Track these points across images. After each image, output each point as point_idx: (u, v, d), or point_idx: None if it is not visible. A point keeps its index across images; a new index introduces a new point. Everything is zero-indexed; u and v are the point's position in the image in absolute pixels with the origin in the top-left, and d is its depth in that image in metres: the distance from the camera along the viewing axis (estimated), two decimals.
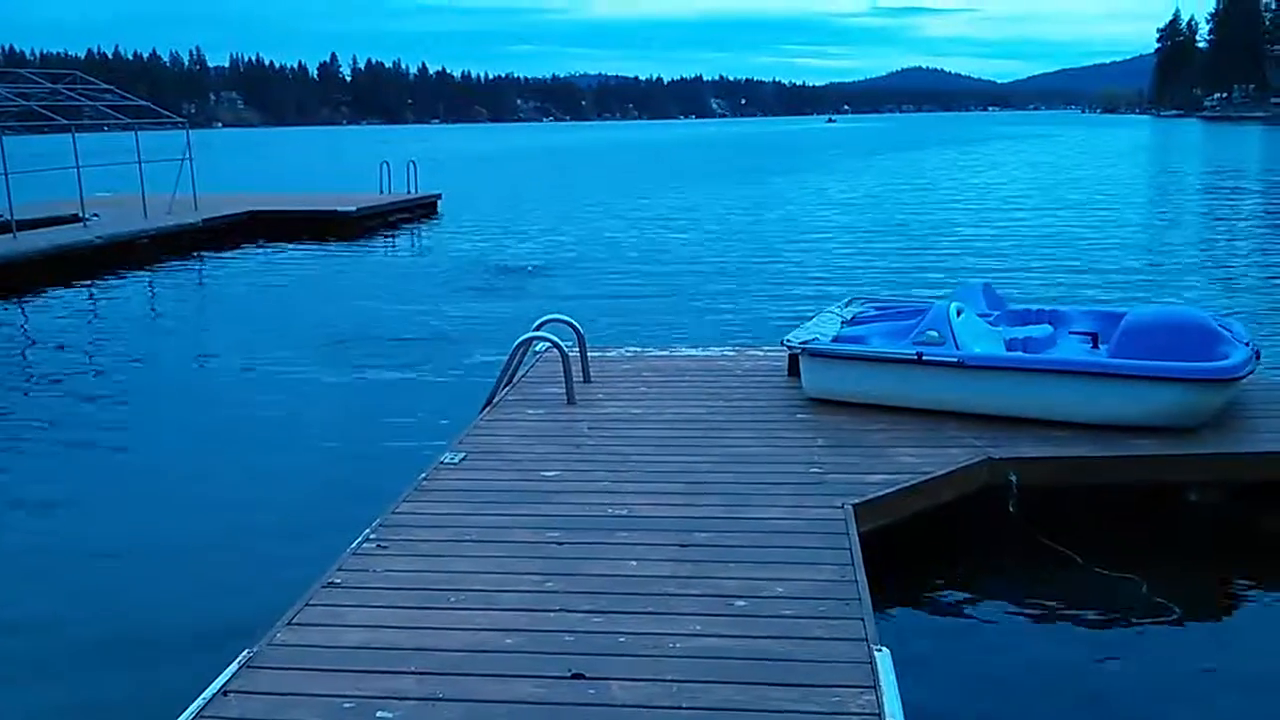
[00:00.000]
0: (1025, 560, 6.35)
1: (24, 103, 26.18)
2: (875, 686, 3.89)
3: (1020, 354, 7.47)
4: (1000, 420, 7.05)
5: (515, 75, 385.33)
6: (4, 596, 6.57)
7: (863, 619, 4.44)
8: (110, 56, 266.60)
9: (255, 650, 4.26)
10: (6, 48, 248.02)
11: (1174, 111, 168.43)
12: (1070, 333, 8.29)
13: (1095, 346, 8.02)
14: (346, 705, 3.87)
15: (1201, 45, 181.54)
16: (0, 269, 18.70)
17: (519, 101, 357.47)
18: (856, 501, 5.81)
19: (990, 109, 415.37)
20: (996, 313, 8.53)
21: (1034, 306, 8.91)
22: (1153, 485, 6.57)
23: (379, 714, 3.81)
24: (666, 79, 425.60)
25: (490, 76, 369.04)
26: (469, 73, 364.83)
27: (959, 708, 4.98)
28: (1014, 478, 6.41)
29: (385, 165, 31.64)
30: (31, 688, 5.50)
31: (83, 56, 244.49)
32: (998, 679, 5.28)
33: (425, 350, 13.21)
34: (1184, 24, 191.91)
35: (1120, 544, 6.41)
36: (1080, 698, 5.11)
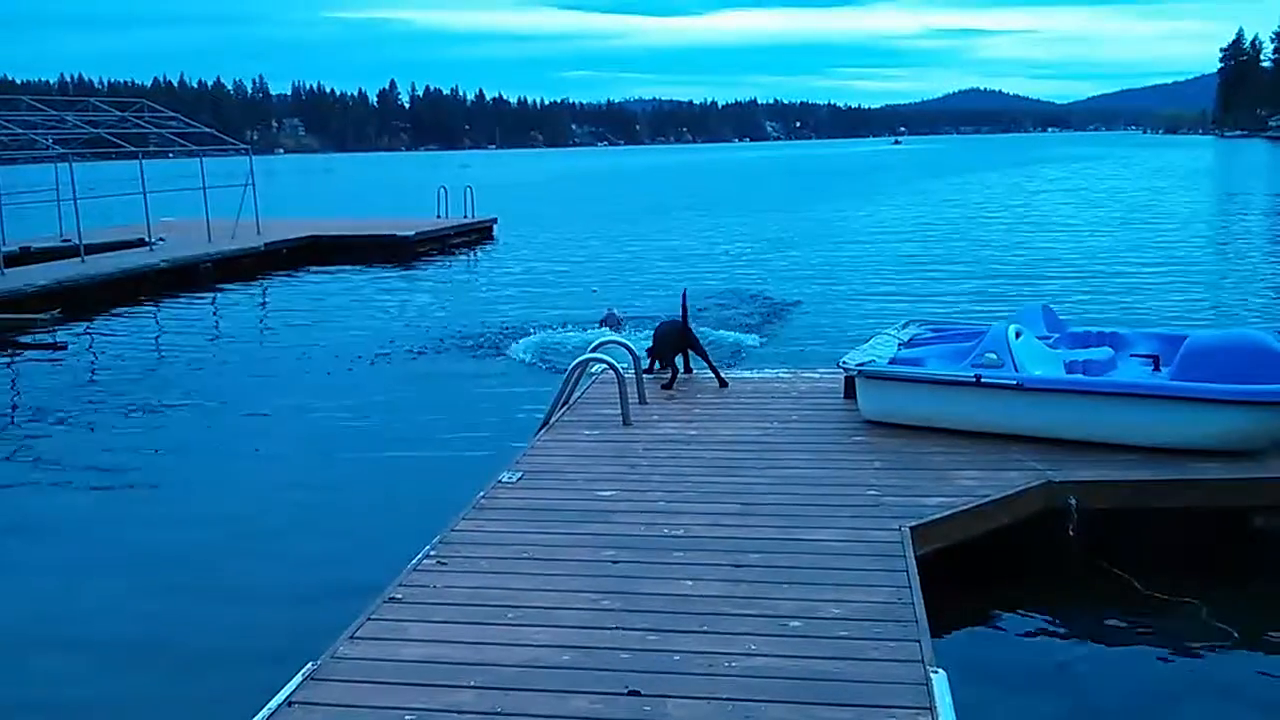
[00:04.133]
0: (1084, 585, 6.28)
1: (93, 130, 26.95)
2: (931, 709, 3.88)
3: (1080, 377, 7.39)
4: (1060, 443, 6.97)
5: (570, 101, 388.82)
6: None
7: (919, 641, 4.42)
8: (176, 84, 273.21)
9: (318, 663, 4.35)
10: (76, 76, 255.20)
11: (1238, 132, 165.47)
12: (1131, 355, 8.17)
13: (1156, 369, 7.90)
14: (408, 718, 3.93)
15: (1266, 64, 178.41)
16: (69, 291, 19.20)
17: (574, 127, 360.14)
18: (914, 524, 5.78)
19: (1049, 130, 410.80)
20: (1056, 335, 8.45)
21: (1094, 329, 8.79)
22: (1215, 510, 6.45)
23: None
24: (720, 103, 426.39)
25: (546, 102, 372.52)
26: (525, 99, 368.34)
27: None
28: (1073, 501, 6.33)
29: (443, 190, 32.05)
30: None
31: (149, 85, 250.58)
32: (1055, 703, 5.23)
33: (483, 370, 13.35)
34: (1248, 43, 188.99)
35: (1181, 570, 6.30)
36: None
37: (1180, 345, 7.49)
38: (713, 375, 9.20)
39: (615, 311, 15.14)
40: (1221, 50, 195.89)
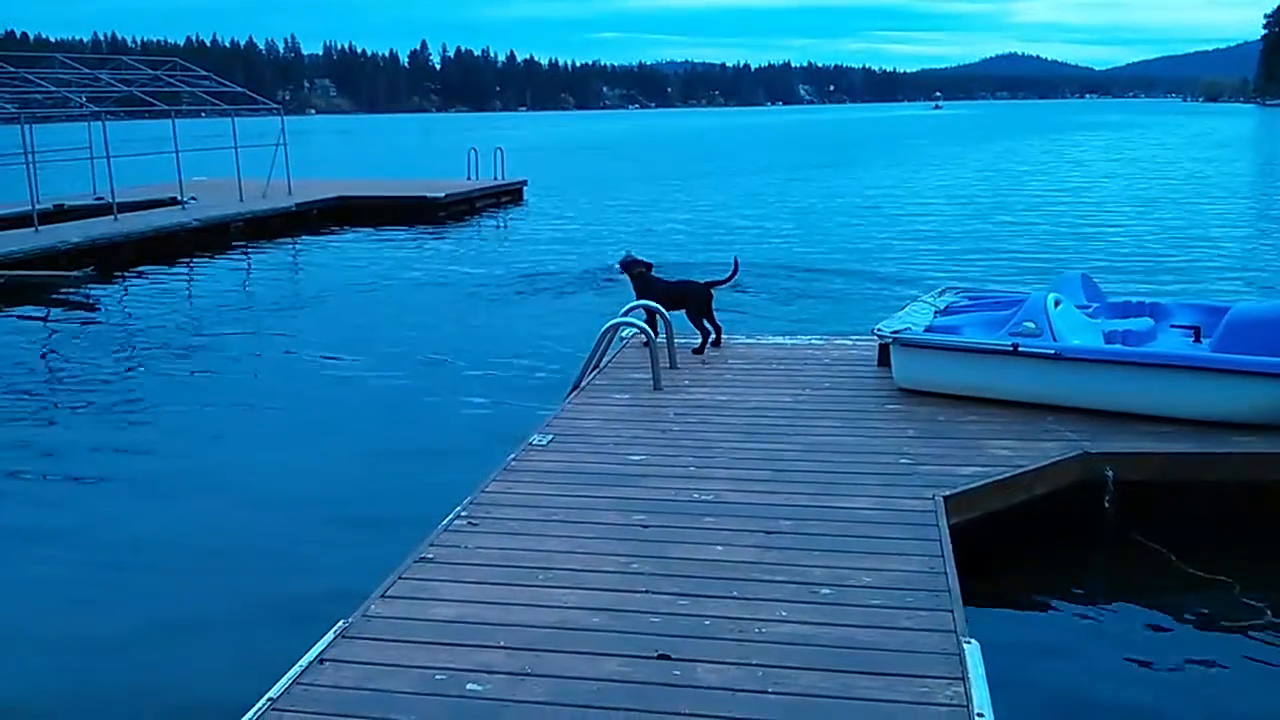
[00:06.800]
0: (1119, 558, 6.23)
1: (126, 89, 27.04)
2: (964, 679, 3.85)
3: (1119, 347, 7.29)
4: (1097, 414, 6.89)
5: (601, 63, 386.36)
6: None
7: (952, 611, 4.39)
8: (208, 43, 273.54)
9: (350, 621, 4.37)
10: (109, 35, 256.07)
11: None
12: (1171, 326, 8.06)
13: (1197, 340, 7.78)
14: (438, 677, 3.94)
15: None
16: (102, 249, 19.37)
17: (605, 89, 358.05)
18: (947, 493, 5.74)
19: (1088, 96, 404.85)
20: (1095, 304, 8.33)
21: (1134, 299, 8.66)
22: (1254, 484, 6.35)
23: (469, 686, 3.88)
24: (754, 65, 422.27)
25: (577, 64, 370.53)
26: (556, 60, 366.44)
27: (1048, 703, 4.90)
28: (1110, 473, 6.26)
29: (473, 152, 31.97)
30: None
31: (181, 43, 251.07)
32: (1087, 675, 5.18)
33: (513, 331, 13.35)
34: None
35: (1217, 544, 6.23)
36: (1167, 697, 5.01)
37: (1222, 316, 7.35)
38: (748, 342, 9.18)
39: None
40: (1266, 17, 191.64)
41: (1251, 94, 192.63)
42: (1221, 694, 5.07)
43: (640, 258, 9.41)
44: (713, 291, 9.22)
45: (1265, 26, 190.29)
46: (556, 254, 20.67)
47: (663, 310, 8.75)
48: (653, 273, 9.41)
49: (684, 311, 9.14)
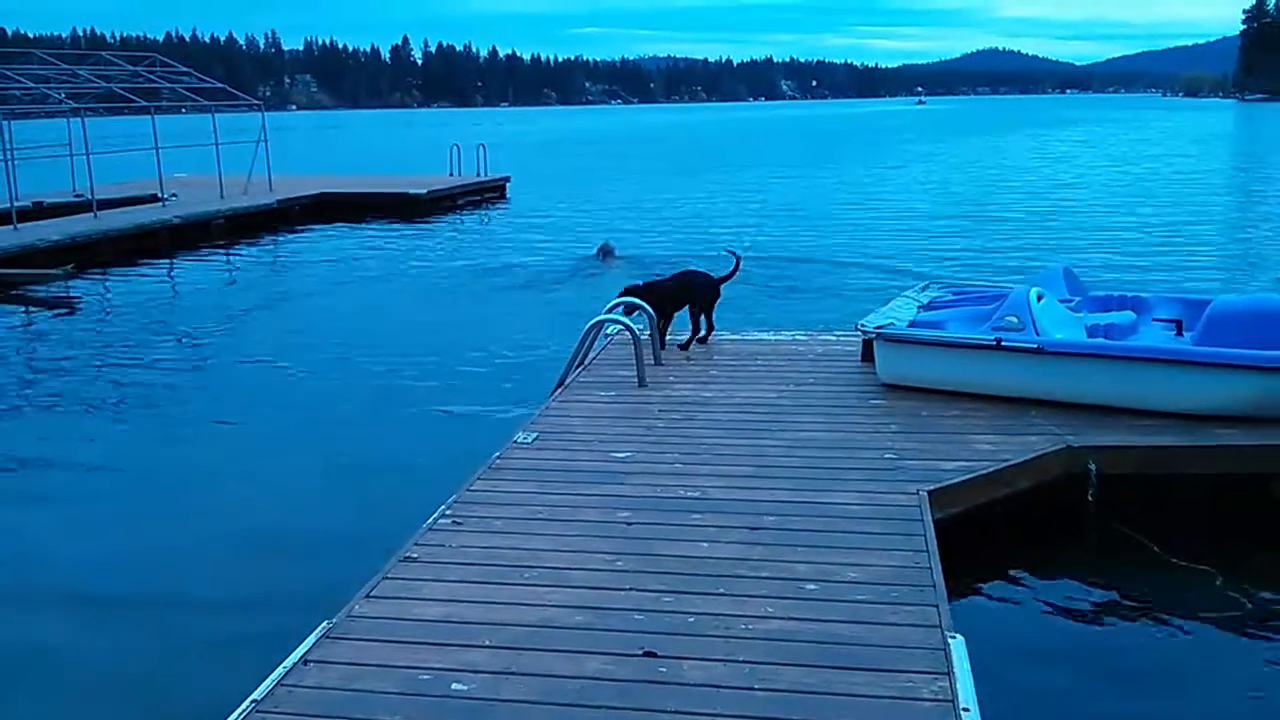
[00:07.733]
0: (1103, 550, 6.26)
1: (105, 85, 26.84)
2: (949, 673, 3.85)
3: (1101, 341, 7.32)
4: (1080, 408, 6.92)
5: (584, 58, 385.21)
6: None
7: (937, 606, 4.39)
8: (188, 39, 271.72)
9: (334, 621, 4.34)
10: (88, 30, 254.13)
11: (1260, 95, 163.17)
12: (1153, 319, 8.10)
13: (1179, 334, 7.82)
14: (423, 677, 3.92)
15: None
16: (82, 246, 19.24)
17: (588, 84, 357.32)
18: (931, 488, 5.75)
19: (1068, 92, 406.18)
20: (1077, 298, 8.36)
21: (1116, 292, 8.71)
22: (1236, 477, 6.40)
23: (453, 686, 3.86)
24: (736, 61, 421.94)
25: (559, 60, 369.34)
26: (538, 56, 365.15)
27: (1033, 696, 4.92)
28: (1093, 466, 6.30)
29: (455, 148, 31.87)
30: None
31: (161, 39, 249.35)
32: (1072, 668, 5.20)
33: (496, 331, 13.31)
34: (1272, 4, 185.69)
35: (1200, 536, 6.27)
36: (1152, 689, 5.03)
37: (1203, 310, 7.40)
38: (732, 338, 9.16)
39: (610, 243, 15.59)
40: (1245, 12, 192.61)
41: (1231, 89, 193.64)
42: (1203, 682, 5.11)
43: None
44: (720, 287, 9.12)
45: (1244, 22, 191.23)
46: (540, 250, 20.60)
47: (647, 306, 8.73)
48: (651, 276, 9.37)
49: (688, 305, 9.03)
